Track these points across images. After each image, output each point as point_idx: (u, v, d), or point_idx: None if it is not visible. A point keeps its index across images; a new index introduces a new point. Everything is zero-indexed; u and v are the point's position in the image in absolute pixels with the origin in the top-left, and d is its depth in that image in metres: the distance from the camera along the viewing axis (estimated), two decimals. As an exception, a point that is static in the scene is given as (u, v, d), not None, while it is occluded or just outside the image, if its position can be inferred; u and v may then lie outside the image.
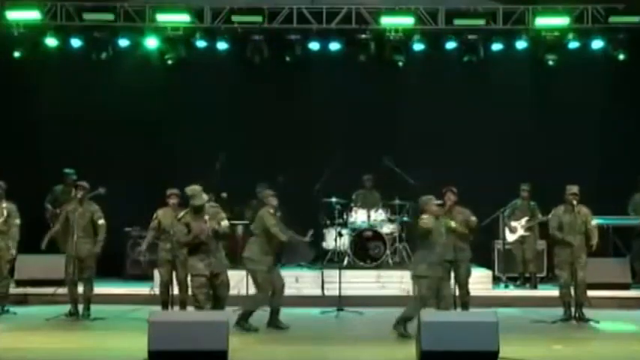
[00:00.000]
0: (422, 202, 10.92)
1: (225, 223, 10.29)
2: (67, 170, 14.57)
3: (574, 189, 12.05)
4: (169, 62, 15.41)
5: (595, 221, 12.12)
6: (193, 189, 10.36)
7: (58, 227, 12.56)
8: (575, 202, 11.99)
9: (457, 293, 11.88)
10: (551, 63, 15.30)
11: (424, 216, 10.79)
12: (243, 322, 11.11)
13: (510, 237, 14.72)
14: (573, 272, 11.92)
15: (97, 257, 12.26)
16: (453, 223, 11.49)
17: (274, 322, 11.36)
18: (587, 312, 12.09)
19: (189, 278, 11.90)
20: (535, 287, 14.45)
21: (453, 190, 12.06)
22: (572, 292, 12.00)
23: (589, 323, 11.84)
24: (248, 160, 15.46)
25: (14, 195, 12.82)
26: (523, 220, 14.60)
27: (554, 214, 12.20)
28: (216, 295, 10.18)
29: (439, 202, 11.15)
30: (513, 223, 14.68)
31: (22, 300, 13.37)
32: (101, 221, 12.25)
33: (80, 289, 12.24)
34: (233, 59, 15.79)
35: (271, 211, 11.44)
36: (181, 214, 10.47)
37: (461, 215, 11.98)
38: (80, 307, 12.19)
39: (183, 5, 15.03)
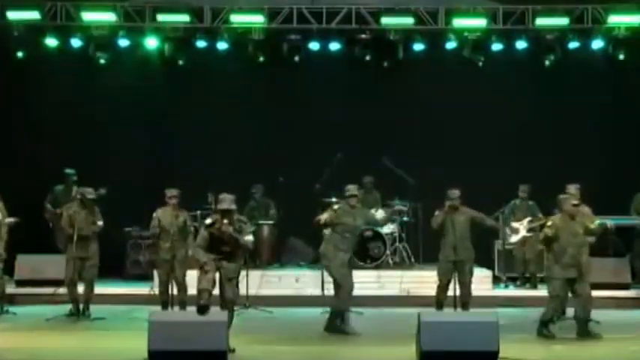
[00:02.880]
0: (558, 201, 11.07)
1: (248, 237, 10.17)
2: (67, 170, 14.57)
3: (571, 189, 12.18)
4: (175, 62, 15.39)
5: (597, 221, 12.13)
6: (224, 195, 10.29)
7: (70, 231, 12.31)
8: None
9: (458, 293, 11.88)
10: (550, 63, 15.30)
11: (549, 222, 10.91)
12: (339, 324, 11.06)
13: (512, 238, 14.70)
14: None
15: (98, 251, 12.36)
16: (595, 223, 11.39)
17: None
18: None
19: (187, 278, 12.00)
20: (535, 287, 14.43)
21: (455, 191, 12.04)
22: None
23: (589, 323, 11.83)
24: (248, 160, 15.45)
25: (14, 195, 12.83)
26: (525, 221, 14.58)
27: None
28: (223, 297, 10.09)
29: (575, 201, 11.16)
30: (515, 224, 14.66)
31: (22, 300, 13.36)
32: (100, 222, 12.37)
33: (80, 289, 12.27)
34: (233, 59, 15.78)
35: (335, 207, 11.37)
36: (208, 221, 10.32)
37: (464, 216, 11.96)
38: (80, 307, 12.23)
39: (183, 5, 15.02)
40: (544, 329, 10.88)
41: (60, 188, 14.63)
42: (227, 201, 10.09)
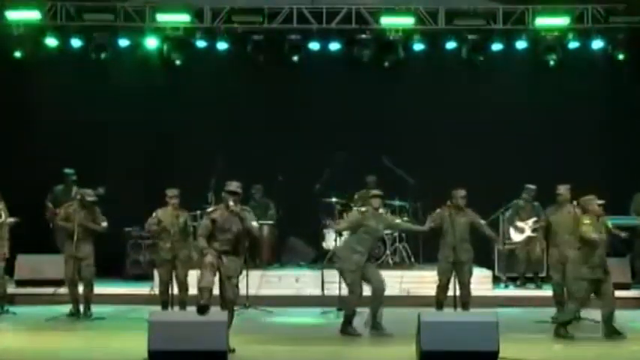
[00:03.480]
0: (583, 202, 10.98)
1: (255, 223, 10.03)
2: (67, 170, 14.56)
3: (561, 189, 12.24)
4: (175, 62, 15.38)
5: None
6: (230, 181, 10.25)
7: (70, 226, 12.31)
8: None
9: (458, 293, 11.88)
10: (551, 63, 15.31)
11: (586, 221, 10.81)
12: (346, 327, 10.95)
13: (516, 237, 14.66)
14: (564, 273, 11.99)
15: (94, 250, 12.30)
16: (610, 223, 11.28)
17: (374, 325, 11.09)
18: (587, 312, 12.07)
19: (188, 278, 12.01)
20: (540, 287, 14.43)
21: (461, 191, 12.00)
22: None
23: (584, 322, 11.81)
24: (248, 160, 15.43)
25: (14, 194, 12.83)
26: (530, 221, 14.54)
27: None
28: (223, 296, 10.06)
29: (600, 202, 11.05)
30: (519, 224, 14.62)
31: (22, 300, 13.35)
32: (104, 223, 12.36)
33: (80, 289, 12.27)
34: (233, 59, 15.78)
35: (362, 209, 11.26)
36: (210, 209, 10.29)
37: (465, 217, 11.94)
38: (81, 307, 12.23)
39: (183, 5, 15.03)
40: (562, 330, 10.82)
41: (60, 188, 14.63)
42: (234, 185, 10.05)
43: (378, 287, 11.14)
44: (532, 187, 14.51)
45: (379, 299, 11.13)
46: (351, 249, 11.11)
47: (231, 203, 9.91)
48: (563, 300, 11.96)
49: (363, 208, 11.46)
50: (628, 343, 10.54)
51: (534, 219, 14.47)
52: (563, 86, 15.81)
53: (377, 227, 11.27)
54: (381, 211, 11.48)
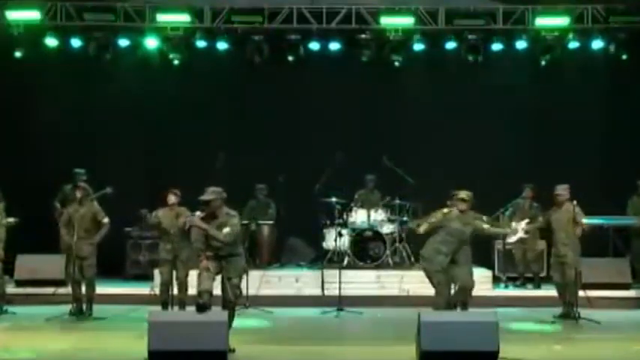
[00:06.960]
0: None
1: (225, 230, 9.86)
2: (77, 170, 14.49)
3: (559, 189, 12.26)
4: (175, 62, 15.38)
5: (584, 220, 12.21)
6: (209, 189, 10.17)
7: (65, 231, 12.40)
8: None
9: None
10: (551, 63, 15.32)
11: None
12: None
13: (510, 238, 14.64)
14: (563, 272, 12.02)
15: (95, 250, 12.28)
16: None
17: None
18: (588, 312, 12.09)
19: (188, 278, 12.01)
20: (539, 287, 14.44)
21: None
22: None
23: (584, 322, 11.81)
24: (248, 160, 15.44)
25: (15, 195, 12.83)
26: (523, 223, 14.50)
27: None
28: (223, 297, 10.04)
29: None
30: (514, 225, 14.60)
31: (22, 300, 13.36)
32: (105, 219, 12.32)
33: (82, 289, 12.26)
34: (233, 59, 15.78)
35: (445, 210, 11.03)
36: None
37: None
38: (83, 307, 12.23)
39: (183, 5, 15.03)
40: None
41: (69, 187, 14.56)
42: (207, 192, 9.92)
43: (464, 285, 11.01)
44: (529, 187, 14.52)
45: (463, 293, 11.01)
46: (435, 250, 10.97)
47: (197, 213, 9.87)
48: (566, 298, 12.01)
49: (445, 210, 11.10)
50: (628, 343, 10.54)
51: (527, 220, 14.44)
52: (563, 86, 15.82)
53: (462, 229, 11.01)
54: (470, 213, 11.20)
